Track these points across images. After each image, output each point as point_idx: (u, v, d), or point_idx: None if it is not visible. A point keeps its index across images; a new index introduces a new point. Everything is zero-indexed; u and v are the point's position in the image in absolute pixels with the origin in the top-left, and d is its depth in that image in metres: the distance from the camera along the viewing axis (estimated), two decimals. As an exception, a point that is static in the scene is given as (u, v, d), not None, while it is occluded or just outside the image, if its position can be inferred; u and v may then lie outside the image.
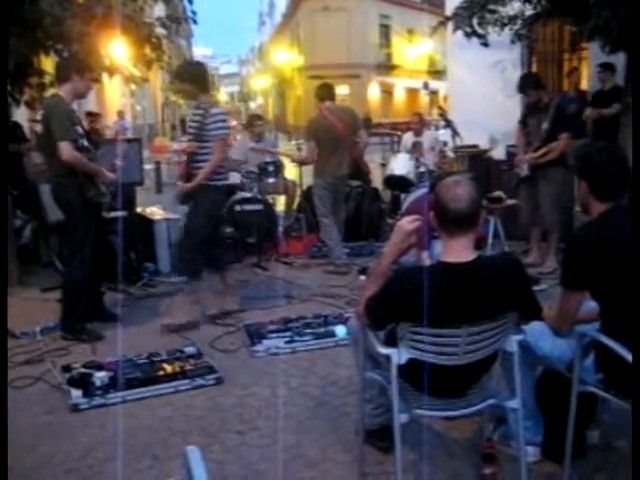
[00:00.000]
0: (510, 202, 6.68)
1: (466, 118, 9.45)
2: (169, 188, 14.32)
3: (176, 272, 5.82)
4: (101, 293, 5.38)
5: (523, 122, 6.48)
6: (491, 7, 7.13)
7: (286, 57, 45.55)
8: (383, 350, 2.59)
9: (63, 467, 3.20)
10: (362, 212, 7.98)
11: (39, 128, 4.97)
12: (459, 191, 2.47)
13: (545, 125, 6.08)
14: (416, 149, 8.28)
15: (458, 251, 2.49)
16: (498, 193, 6.77)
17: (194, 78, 5.15)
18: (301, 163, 7.75)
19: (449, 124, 8.18)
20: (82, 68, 4.95)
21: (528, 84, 6.34)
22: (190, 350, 4.46)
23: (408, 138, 8.79)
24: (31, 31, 5.93)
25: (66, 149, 4.63)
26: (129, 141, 8.24)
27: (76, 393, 3.84)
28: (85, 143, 4.86)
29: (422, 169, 7.66)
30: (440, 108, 12.14)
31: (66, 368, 4.21)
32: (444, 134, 9.98)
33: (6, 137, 6.24)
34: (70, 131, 4.71)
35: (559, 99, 6.32)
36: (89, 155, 4.86)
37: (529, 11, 7.88)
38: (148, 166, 12.66)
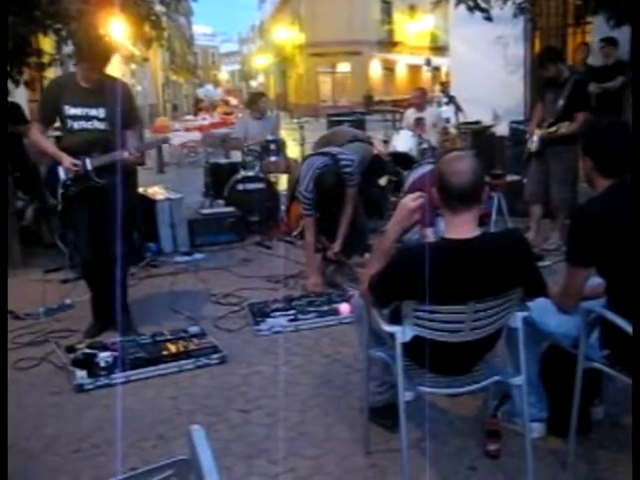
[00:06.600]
0: (513, 178, 6.64)
1: (468, 94, 9.39)
2: (170, 168, 14.31)
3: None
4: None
5: (541, 97, 6.31)
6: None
7: (287, 35, 45.24)
8: (387, 328, 2.58)
9: (69, 447, 3.20)
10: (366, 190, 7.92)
11: None
12: (461, 166, 2.44)
13: (561, 101, 5.90)
14: (418, 126, 8.21)
15: (462, 228, 2.47)
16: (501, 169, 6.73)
17: None
18: None
19: (451, 100, 8.11)
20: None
21: (547, 57, 6.17)
22: (194, 329, 4.46)
23: (410, 115, 8.70)
24: (28, 10, 5.87)
25: (29, 129, 4.55)
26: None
27: (81, 374, 3.84)
28: (75, 126, 4.33)
29: (425, 146, 7.60)
30: (442, 84, 12.06)
31: (70, 349, 4.20)
32: (447, 110, 9.91)
33: (6, 120, 6.20)
34: (44, 112, 4.43)
35: (578, 76, 6.15)
36: (86, 137, 4.35)
37: (533, -17, 7.80)
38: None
